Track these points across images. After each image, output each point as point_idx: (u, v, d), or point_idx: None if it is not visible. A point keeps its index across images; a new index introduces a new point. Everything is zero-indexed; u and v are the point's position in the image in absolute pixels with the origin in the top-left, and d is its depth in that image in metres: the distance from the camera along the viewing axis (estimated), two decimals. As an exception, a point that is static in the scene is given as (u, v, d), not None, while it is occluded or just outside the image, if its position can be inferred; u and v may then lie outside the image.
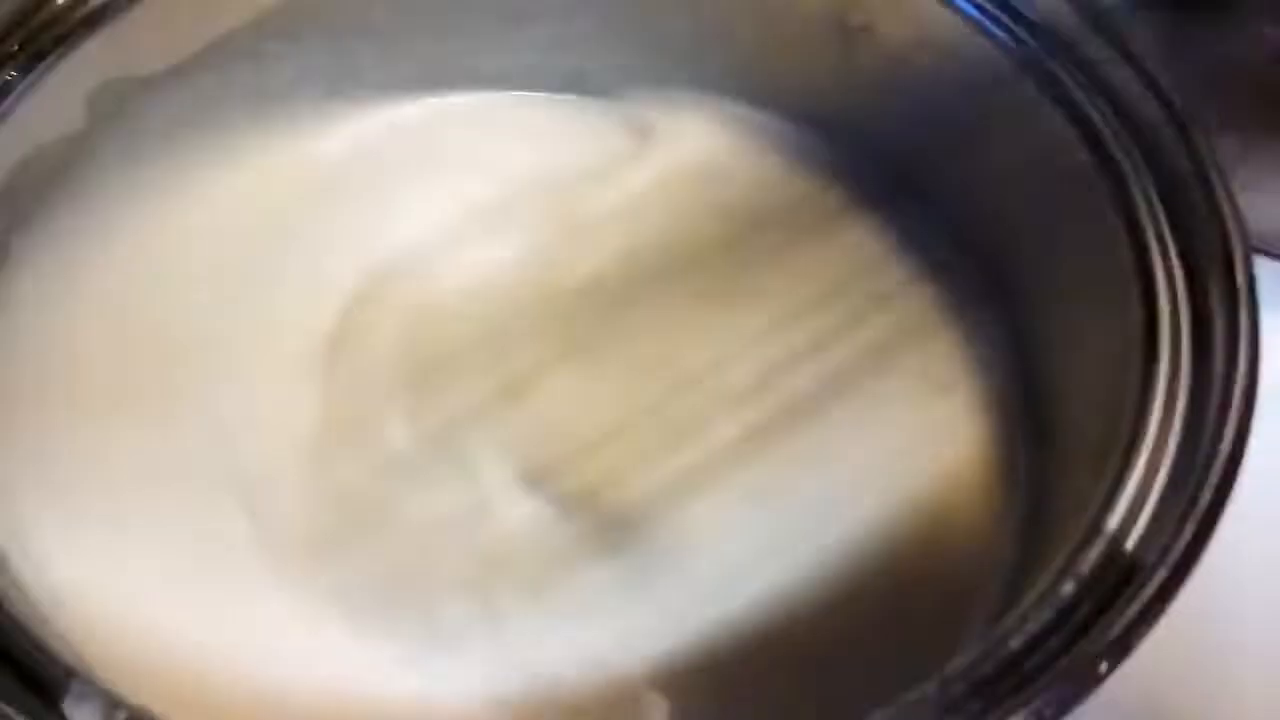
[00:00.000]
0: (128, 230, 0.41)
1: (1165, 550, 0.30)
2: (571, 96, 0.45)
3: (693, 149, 0.43)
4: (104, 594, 0.35)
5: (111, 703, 0.28)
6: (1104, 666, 0.29)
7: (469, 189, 0.43)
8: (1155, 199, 0.35)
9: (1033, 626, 0.29)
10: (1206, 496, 0.31)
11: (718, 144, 0.44)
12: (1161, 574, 0.30)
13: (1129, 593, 0.30)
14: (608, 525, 0.37)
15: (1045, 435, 0.39)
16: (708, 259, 0.41)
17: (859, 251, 0.42)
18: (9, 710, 0.27)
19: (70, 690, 0.28)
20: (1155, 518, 0.31)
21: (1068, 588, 0.30)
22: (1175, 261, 0.35)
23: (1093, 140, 0.36)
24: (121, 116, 0.40)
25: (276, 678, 0.35)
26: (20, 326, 0.38)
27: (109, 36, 0.38)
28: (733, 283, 0.41)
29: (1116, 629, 0.29)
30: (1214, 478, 0.31)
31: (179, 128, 0.41)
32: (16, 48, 0.37)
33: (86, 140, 0.39)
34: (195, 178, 0.42)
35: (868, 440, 0.39)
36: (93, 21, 0.38)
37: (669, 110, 0.44)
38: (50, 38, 0.37)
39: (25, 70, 0.37)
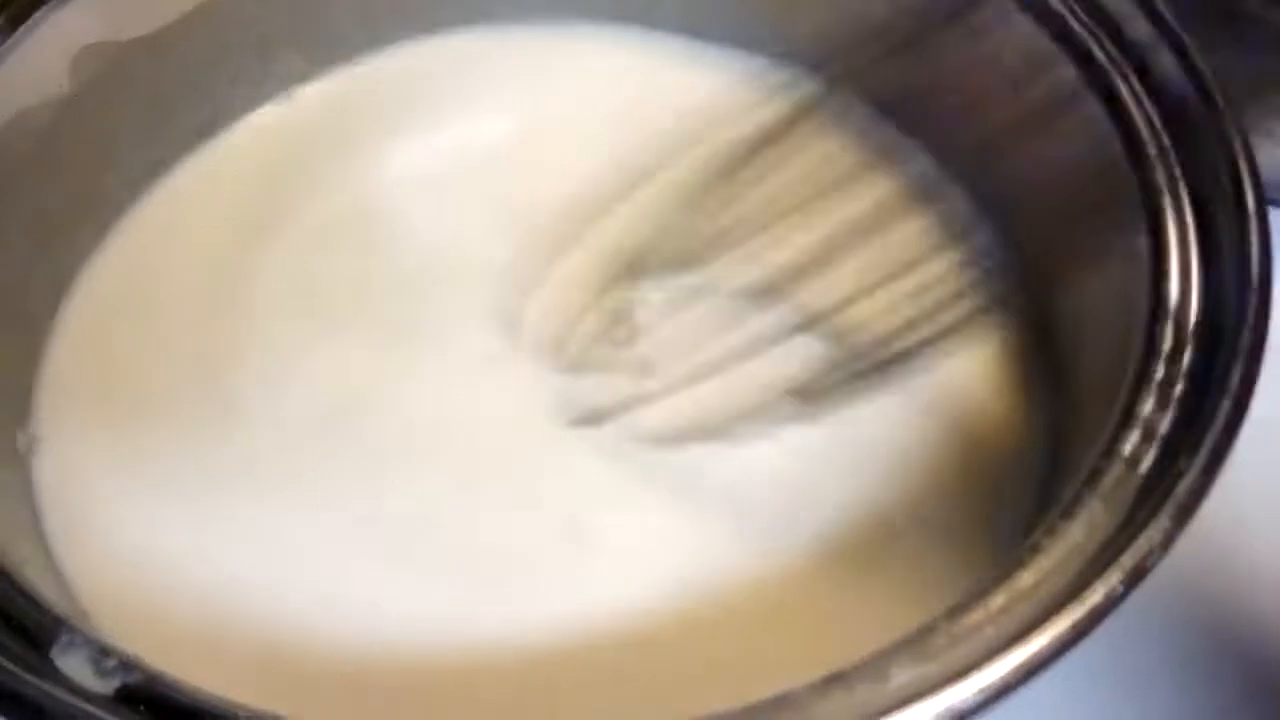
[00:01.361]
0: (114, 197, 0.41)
1: (1180, 473, 0.29)
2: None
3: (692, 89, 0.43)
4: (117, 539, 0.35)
5: (101, 650, 0.27)
6: (1121, 589, 0.28)
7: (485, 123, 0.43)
8: (1159, 125, 0.35)
9: (1049, 554, 0.29)
10: (1220, 419, 0.30)
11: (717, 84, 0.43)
12: (1177, 495, 0.29)
13: (1144, 516, 0.29)
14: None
15: (1061, 370, 0.38)
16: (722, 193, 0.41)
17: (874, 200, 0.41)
18: (-2, 659, 0.27)
19: (59, 638, 0.27)
20: (1168, 442, 0.30)
21: (1083, 512, 0.29)
22: (1182, 189, 0.34)
23: (1085, 61, 0.36)
24: (105, 80, 0.39)
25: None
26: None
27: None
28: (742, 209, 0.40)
29: (1133, 550, 0.28)
30: (1228, 400, 0.30)
31: (165, 90, 0.41)
32: (-3, 9, 0.37)
33: (71, 104, 0.38)
34: (185, 140, 0.42)
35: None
36: (75, -17, 0.37)
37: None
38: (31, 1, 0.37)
39: (6, 33, 0.37)
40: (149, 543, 0.36)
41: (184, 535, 0.36)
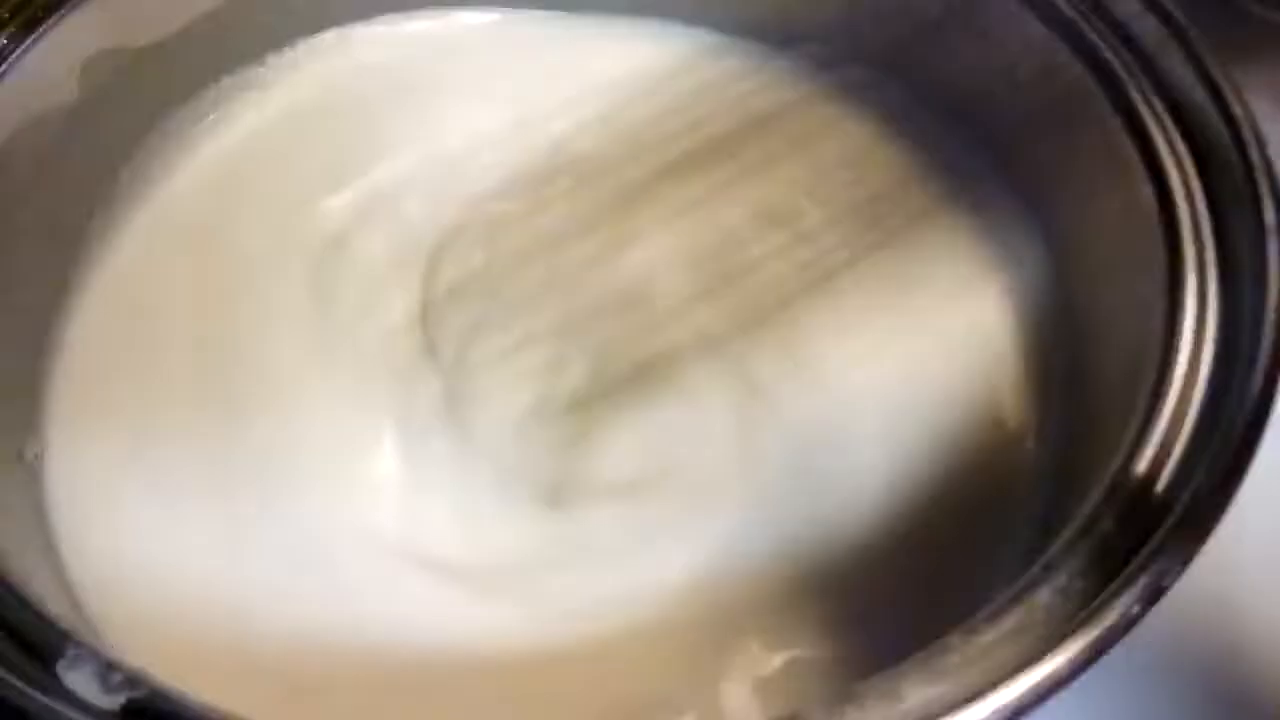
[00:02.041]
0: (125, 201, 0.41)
1: (1196, 491, 0.29)
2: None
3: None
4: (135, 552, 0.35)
5: (107, 666, 0.27)
6: (1136, 609, 0.28)
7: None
8: (1178, 139, 0.34)
9: (1064, 571, 0.28)
10: (1237, 435, 0.30)
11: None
12: (1194, 514, 0.28)
13: (1160, 534, 0.28)
14: None
15: (1076, 376, 0.38)
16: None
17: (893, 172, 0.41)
18: (3, 673, 0.26)
19: (65, 653, 0.27)
20: (1185, 458, 0.30)
21: (1099, 531, 0.29)
22: (1200, 201, 0.34)
23: (1096, 66, 0.36)
24: (114, 86, 0.39)
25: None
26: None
27: (102, 5, 0.38)
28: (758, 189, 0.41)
29: (1149, 572, 0.28)
30: (1244, 417, 0.30)
31: (175, 95, 0.41)
32: (8, 15, 0.37)
33: (79, 110, 0.38)
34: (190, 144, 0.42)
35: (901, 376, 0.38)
36: (85, -11, 0.37)
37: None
38: (42, 5, 0.37)
39: (17, 39, 0.37)
40: (156, 551, 0.35)
41: (192, 542, 0.36)
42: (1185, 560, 0.28)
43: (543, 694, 0.34)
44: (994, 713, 0.26)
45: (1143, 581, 0.28)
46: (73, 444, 0.37)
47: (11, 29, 0.37)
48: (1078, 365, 0.38)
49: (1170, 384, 0.31)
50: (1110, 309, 0.36)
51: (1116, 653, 0.27)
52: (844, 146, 0.42)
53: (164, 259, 0.40)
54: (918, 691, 0.27)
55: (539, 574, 0.35)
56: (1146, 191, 0.34)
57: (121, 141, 0.40)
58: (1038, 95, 0.38)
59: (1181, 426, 0.30)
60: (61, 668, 0.27)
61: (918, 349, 0.38)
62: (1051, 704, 0.27)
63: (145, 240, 0.41)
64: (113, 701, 0.26)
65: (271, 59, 0.43)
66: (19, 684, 0.26)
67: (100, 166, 0.40)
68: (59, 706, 0.26)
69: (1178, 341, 0.32)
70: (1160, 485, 0.30)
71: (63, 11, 0.37)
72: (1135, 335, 0.33)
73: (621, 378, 0.38)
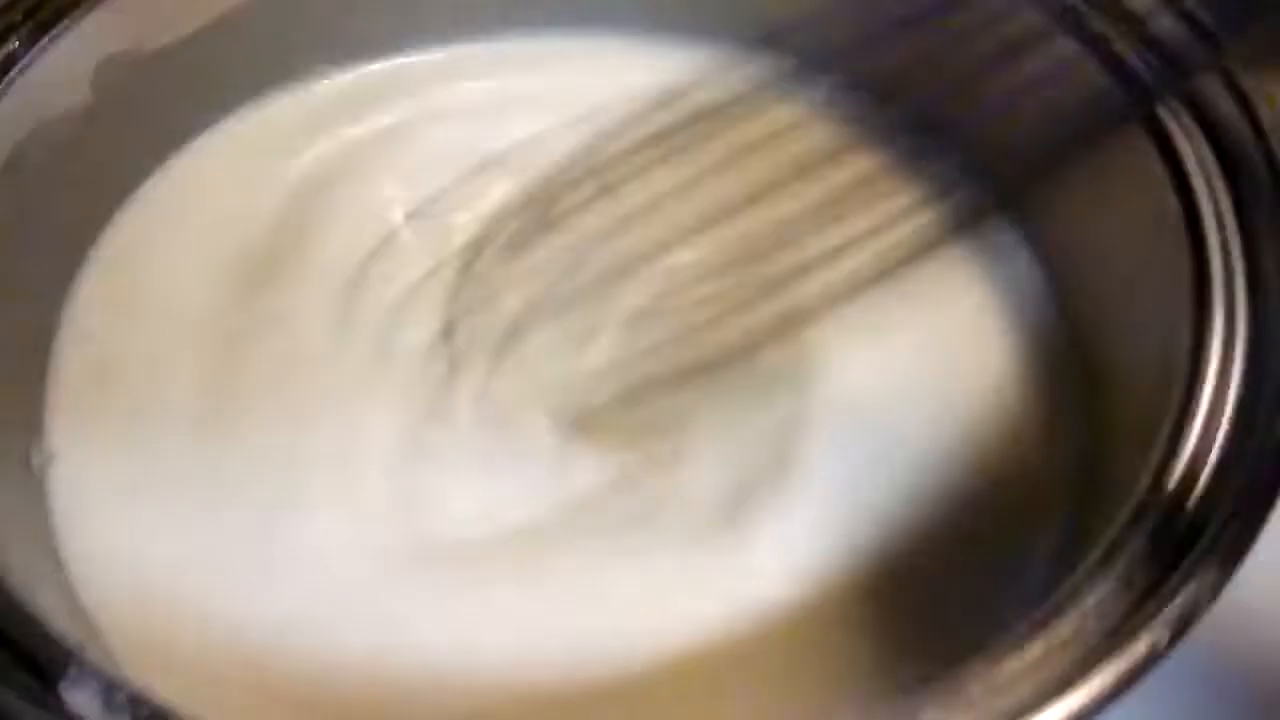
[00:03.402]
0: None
1: (1228, 512, 0.28)
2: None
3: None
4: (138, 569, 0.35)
5: (111, 685, 0.26)
6: (1165, 639, 0.27)
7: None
8: (1206, 151, 0.34)
9: (1089, 598, 0.28)
10: (1270, 453, 0.29)
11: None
12: (1226, 537, 0.28)
13: (1191, 559, 0.28)
14: None
15: (1095, 384, 0.37)
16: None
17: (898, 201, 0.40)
18: (3, 691, 0.26)
19: (68, 672, 0.26)
20: (1216, 478, 0.29)
21: (1125, 556, 0.28)
22: (1228, 214, 0.33)
23: (1125, 78, 0.35)
24: (128, 90, 0.38)
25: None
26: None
27: (115, 8, 0.37)
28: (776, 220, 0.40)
29: (1180, 599, 0.27)
30: (1277, 435, 0.29)
31: (186, 100, 0.40)
32: (20, 18, 0.36)
33: (92, 113, 0.38)
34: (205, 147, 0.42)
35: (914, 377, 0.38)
36: (98, -8, 0.37)
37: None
38: (54, 9, 0.37)
39: (29, 42, 0.36)
40: (164, 560, 0.35)
41: (199, 553, 0.35)
42: (1218, 587, 0.27)
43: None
44: (1017, 746, 0.26)
45: (1173, 610, 0.27)
46: (80, 452, 0.36)
47: (25, 31, 0.36)
48: (1094, 381, 0.37)
49: (1199, 403, 0.30)
50: (1128, 325, 0.36)
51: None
52: (857, 172, 0.41)
53: (175, 265, 0.40)
54: (937, 721, 0.26)
55: (581, 579, 0.35)
56: (1172, 204, 0.33)
57: (134, 146, 0.40)
58: (1057, 106, 0.37)
59: (1211, 445, 0.30)
60: (64, 687, 0.26)
61: (925, 366, 0.38)
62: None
63: (156, 246, 0.40)
64: (116, 722, 0.26)
65: (290, 66, 0.43)
66: (20, 702, 0.26)
67: (112, 171, 0.40)
68: (62, 728, 0.26)
69: (1206, 355, 0.31)
70: (1190, 507, 0.29)
71: (76, 14, 0.37)
72: (1159, 350, 0.33)
73: (658, 384, 0.37)
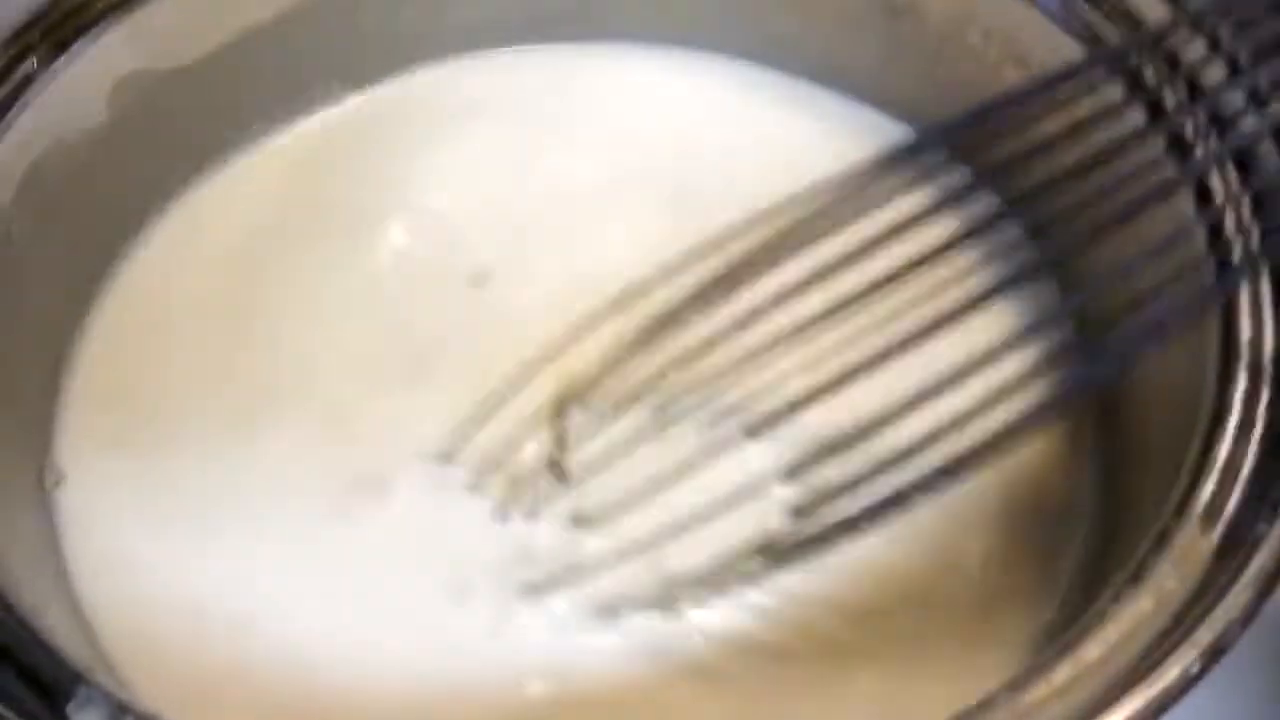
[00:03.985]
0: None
1: (1260, 536, 0.27)
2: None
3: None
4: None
5: (119, 708, 0.26)
6: (1197, 668, 0.26)
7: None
8: (1227, 164, 0.33)
9: (1117, 624, 0.27)
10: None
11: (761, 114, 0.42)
12: (1260, 559, 0.27)
13: (1222, 581, 0.27)
14: None
15: (1119, 405, 0.36)
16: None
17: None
18: (8, 713, 0.26)
19: (76, 695, 0.26)
20: (1246, 502, 0.28)
21: (1153, 580, 0.27)
22: (1252, 227, 0.32)
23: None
24: (144, 109, 0.38)
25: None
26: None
27: (133, 27, 0.37)
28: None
29: (1211, 624, 0.26)
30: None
31: (204, 119, 0.40)
32: (38, 37, 0.36)
33: (109, 132, 0.38)
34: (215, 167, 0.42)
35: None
36: (117, 11, 0.37)
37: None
38: (72, 27, 0.37)
39: (46, 62, 0.36)
40: (173, 579, 0.35)
41: (209, 570, 0.35)
42: (1252, 610, 0.27)
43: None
44: (1043, 776, 0.25)
45: (1203, 639, 0.26)
46: (90, 473, 0.36)
47: (42, 50, 0.36)
48: (1118, 401, 0.36)
49: (1230, 410, 0.29)
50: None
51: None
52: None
53: (190, 284, 0.40)
54: (961, 750, 0.25)
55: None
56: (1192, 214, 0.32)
57: (150, 165, 0.40)
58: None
59: (1243, 459, 0.29)
60: (71, 710, 0.26)
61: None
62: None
63: (172, 265, 0.40)
64: (123, 745, 0.26)
65: (305, 84, 0.42)
66: (27, 726, 0.26)
67: (128, 190, 0.40)
68: (65, 752, 0.25)
69: (1234, 373, 0.30)
70: (1220, 527, 0.28)
71: (93, 34, 0.37)
72: (1185, 370, 0.32)
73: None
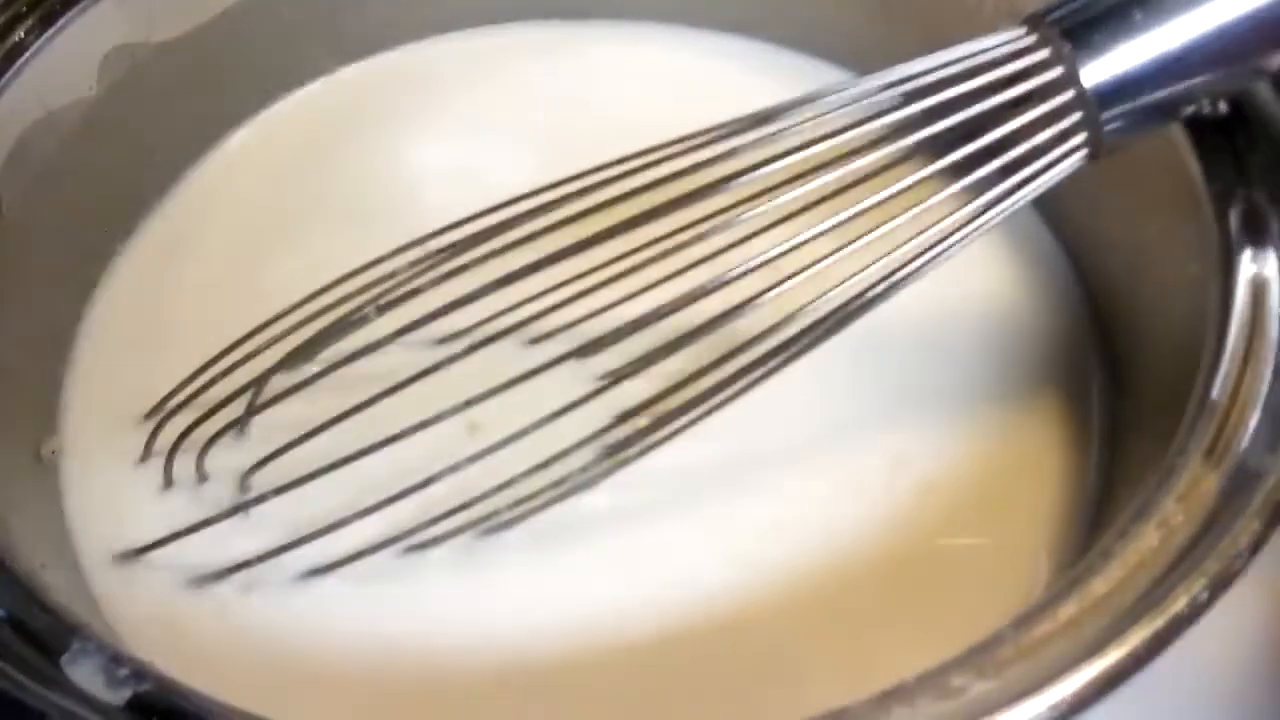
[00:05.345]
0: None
1: (1264, 469, 0.27)
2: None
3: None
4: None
5: (113, 659, 0.26)
6: (1205, 595, 0.26)
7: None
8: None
9: (1122, 559, 0.27)
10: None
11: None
12: (1265, 489, 0.27)
13: (1228, 513, 0.27)
14: None
15: (1121, 347, 0.36)
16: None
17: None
18: (6, 668, 0.25)
19: (70, 647, 0.26)
20: (1251, 435, 0.28)
21: (1157, 511, 0.27)
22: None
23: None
24: (134, 81, 0.38)
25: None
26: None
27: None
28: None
29: (1220, 554, 0.26)
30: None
31: (196, 93, 0.40)
32: (26, 8, 0.36)
33: (99, 104, 0.38)
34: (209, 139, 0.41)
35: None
36: (106, -17, 0.37)
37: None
38: (60, 0, 0.36)
39: (36, 34, 0.36)
40: (171, 548, 0.34)
41: (209, 540, 0.34)
42: (1259, 541, 0.26)
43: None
44: (1049, 709, 0.25)
45: (1211, 567, 0.26)
46: (89, 442, 0.36)
47: (29, 22, 0.36)
48: (1120, 344, 0.36)
49: (1230, 342, 0.29)
50: (1154, 288, 0.35)
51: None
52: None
53: (185, 257, 0.40)
54: (970, 686, 0.25)
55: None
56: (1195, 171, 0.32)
57: (141, 137, 0.40)
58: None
59: (1248, 393, 0.29)
60: (66, 661, 0.26)
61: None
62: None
63: (166, 238, 0.40)
64: (119, 696, 0.25)
65: (294, 58, 0.42)
66: (21, 678, 0.25)
67: (120, 163, 0.39)
68: (61, 701, 0.25)
69: (1233, 316, 0.30)
70: (1225, 463, 0.28)
71: (82, 4, 0.37)
72: (1187, 313, 0.32)
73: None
